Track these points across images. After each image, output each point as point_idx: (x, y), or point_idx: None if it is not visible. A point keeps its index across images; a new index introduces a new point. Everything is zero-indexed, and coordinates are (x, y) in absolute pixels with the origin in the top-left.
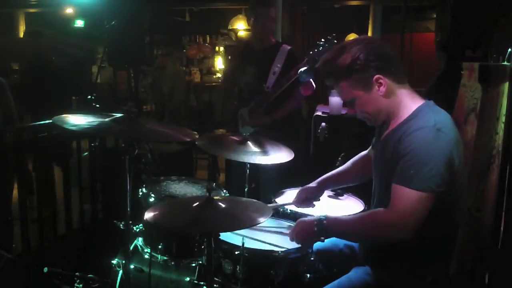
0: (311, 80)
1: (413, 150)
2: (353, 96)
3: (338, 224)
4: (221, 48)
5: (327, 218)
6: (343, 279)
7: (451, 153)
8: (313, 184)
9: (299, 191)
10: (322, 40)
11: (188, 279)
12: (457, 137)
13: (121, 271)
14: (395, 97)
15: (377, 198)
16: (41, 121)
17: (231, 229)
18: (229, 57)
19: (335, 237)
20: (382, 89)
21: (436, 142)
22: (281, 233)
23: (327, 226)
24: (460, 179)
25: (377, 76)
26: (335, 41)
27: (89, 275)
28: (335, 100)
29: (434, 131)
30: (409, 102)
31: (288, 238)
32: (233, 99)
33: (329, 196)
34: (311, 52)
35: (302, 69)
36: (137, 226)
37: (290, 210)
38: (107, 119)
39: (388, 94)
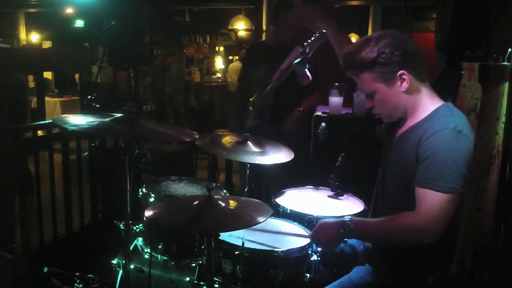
0: (306, 70)
1: (435, 152)
2: (374, 89)
3: (363, 226)
4: (221, 48)
5: (351, 220)
6: (344, 279)
7: (471, 154)
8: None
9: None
10: (317, 33)
11: (188, 279)
12: (474, 137)
13: (121, 271)
14: (415, 95)
15: (388, 198)
16: None
17: (231, 228)
18: (244, 60)
19: (359, 239)
20: (405, 85)
21: (458, 144)
22: (285, 234)
23: (352, 229)
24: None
25: (401, 71)
26: (325, 31)
27: (89, 275)
28: (335, 100)
29: (455, 133)
30: (428, 102)
31: (288, 239)
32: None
33: (329, 196)
34: (304, 44)
35: (296, 61)
36: (137, 226)
37: (290, 210)
38: (107, 119)
39: (410, 91)
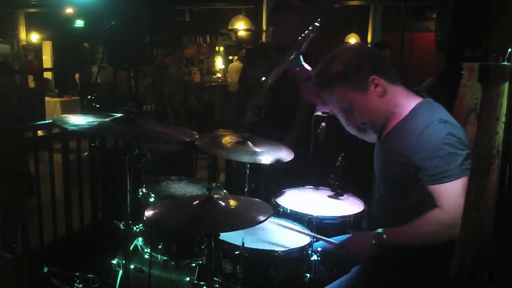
0: (303, 64)
1: (432, 147)
2: (350, 101)
3: (396, 235)
4: (221, 48)
5: (385, 231)
6: (344, 279)
7: (464, 137)
8: None
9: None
10: (310, 27)
11: (188, 279)
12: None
13: (121, 271)
14: (391, 96)
15: (381, 200)
16: None
17: (231, 228)
18: (244, 61)
19: (391, 247)
20: (378, 89)
21: (448, 130)
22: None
23: (385, 240)
24: None
25: (372, 77)
26: (317, 24)
27: (89, 275)
28: None
29: (442, 123)
30: (406, 100)
31: (288, 238)
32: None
33: (329, 196)
34: (298, 38)
35: (291, 57)
36: (137, 226)
37: (290, 210)
38: (107, 119)
39: (384, 94)
